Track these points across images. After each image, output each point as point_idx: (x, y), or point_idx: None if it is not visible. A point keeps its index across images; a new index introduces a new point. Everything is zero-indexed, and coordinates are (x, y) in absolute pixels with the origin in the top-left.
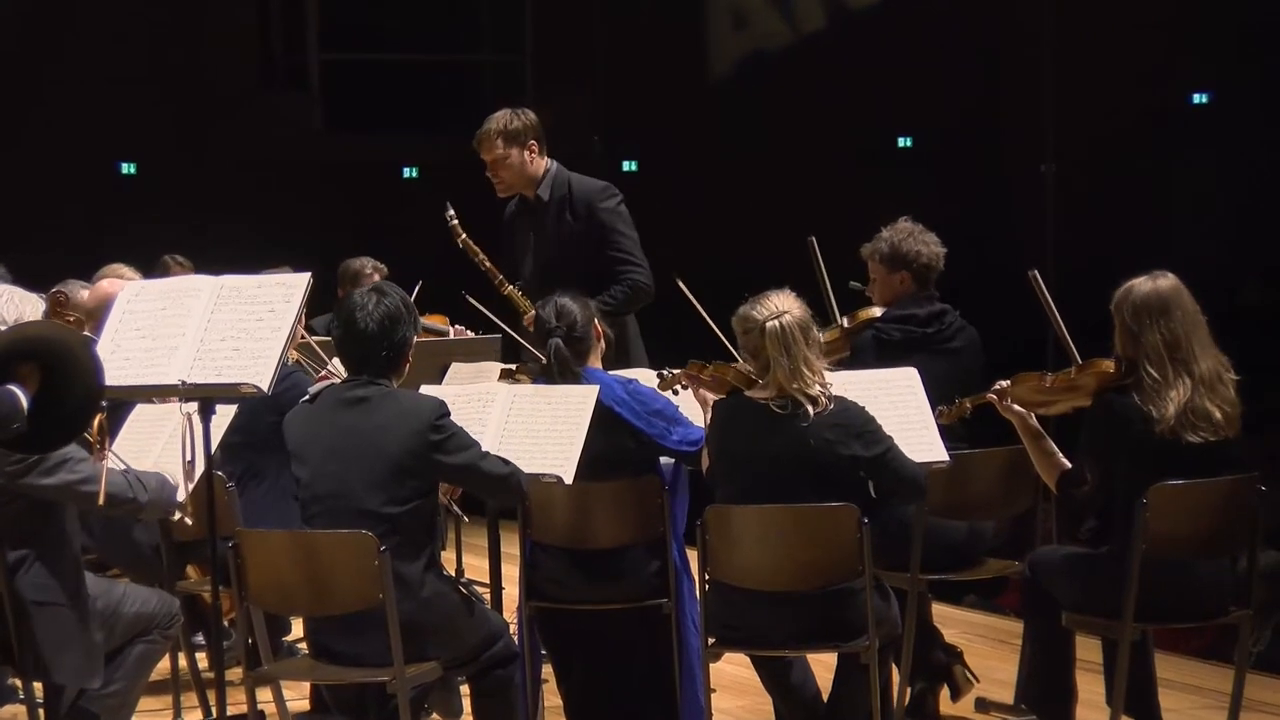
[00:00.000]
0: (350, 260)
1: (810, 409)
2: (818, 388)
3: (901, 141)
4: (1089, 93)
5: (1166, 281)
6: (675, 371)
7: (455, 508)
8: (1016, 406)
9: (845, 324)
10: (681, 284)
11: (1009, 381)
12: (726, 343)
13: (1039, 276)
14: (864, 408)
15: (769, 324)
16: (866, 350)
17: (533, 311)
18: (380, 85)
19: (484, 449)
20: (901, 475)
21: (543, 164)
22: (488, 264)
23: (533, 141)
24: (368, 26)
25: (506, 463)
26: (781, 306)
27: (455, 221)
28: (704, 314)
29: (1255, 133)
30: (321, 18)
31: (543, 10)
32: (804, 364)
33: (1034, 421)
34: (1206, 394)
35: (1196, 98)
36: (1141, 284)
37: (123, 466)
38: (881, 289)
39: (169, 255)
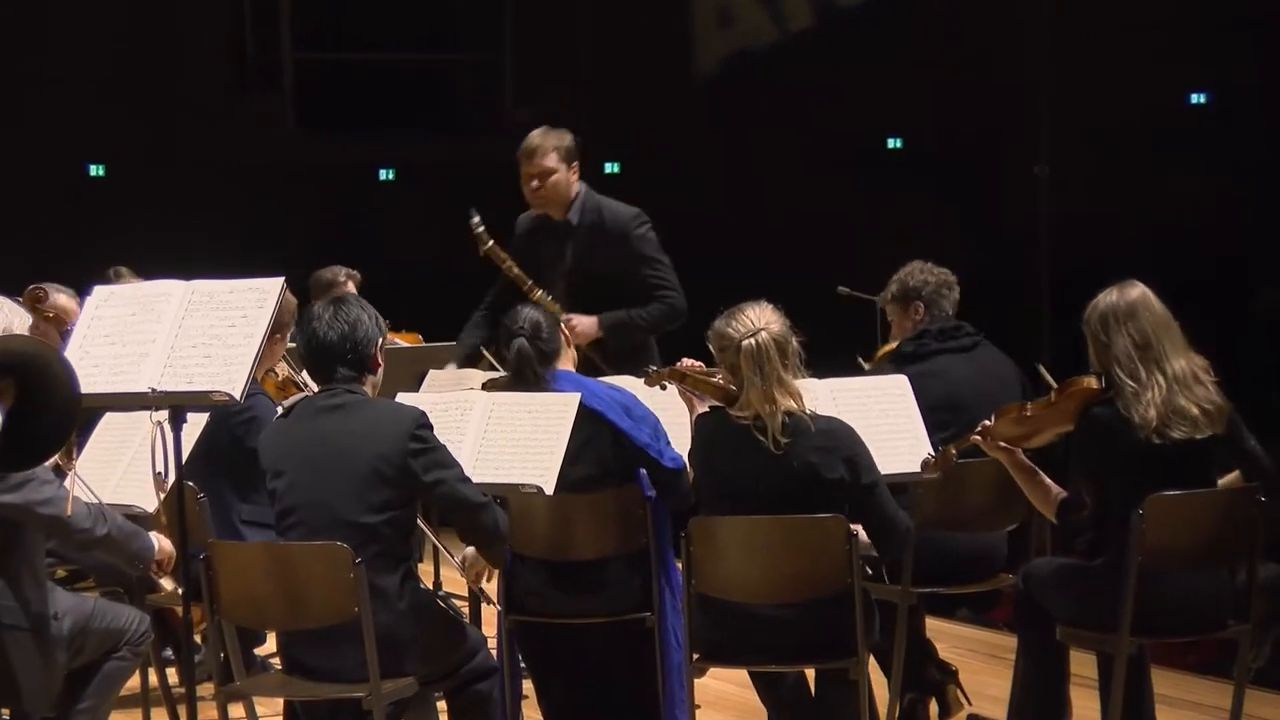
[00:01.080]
0: (321, 271)
1: (788, 430)
2: (789, 406)
3: (891, 142)
4: (1084, 92)
5: (1134, 290)
6: (661, 370)
7: (483, 594)
8: (1004, 444)
9: (867, 368)
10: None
11: (991, 420)
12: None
13: (1043, 369)
14: (853, 429)
15: (744, 342)
16: (885, 374)
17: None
18: (356, 85)
19: (465, 474)
20: (886, 519)
21: (576, 186)
22: (516, 270)
23: (575, 163)
24: (343, 25)
25: (485, 495)
26: (758, 322)
27: (481, 229)
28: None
29: (1256, 134)
30: (295, 16)
31: (523, 7)
32: (777, 384)
33: (1023, 457)
34: (1183, 392)
35: (1194, 98)
36: (1107, 294)
37: (89, 498)
38: (899, 326)
39: (114, 267)
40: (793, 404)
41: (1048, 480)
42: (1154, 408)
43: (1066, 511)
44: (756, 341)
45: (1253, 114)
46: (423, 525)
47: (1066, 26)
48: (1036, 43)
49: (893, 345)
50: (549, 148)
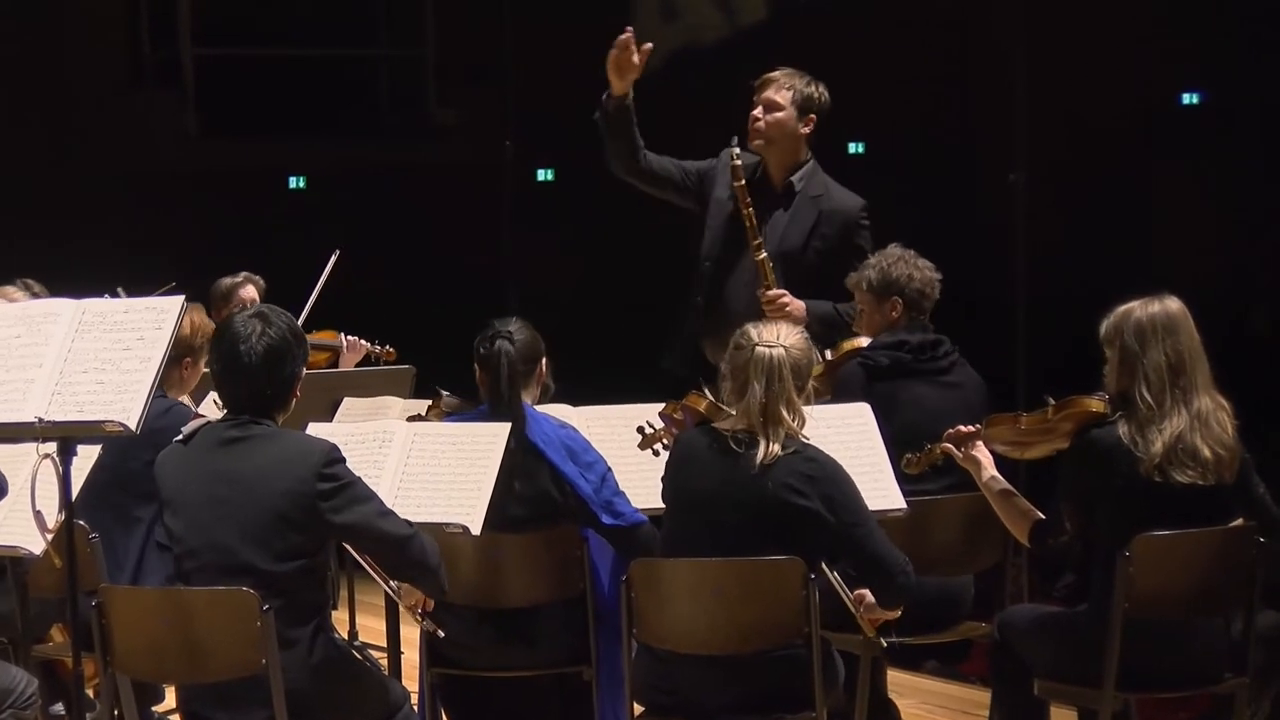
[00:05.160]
0: (221, 279)
1: (772, 448)
2: (789, 428)
3: (853, 148)
4: (1065, 91)
5: (1174, 303)
6: (657, 426)
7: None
8: (978, 454)
9: (828, 356)
10: None
11: (982, 426)
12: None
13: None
14: (842, 470)
15: (759, 349)
16: (852, 382)
17: (773, 288)
18: (262, 83)
19: (386, 505)
20: (877, 556)
21: (806, 151)
22: (754, 219)
23: (813, 116)
24: (247, 19)
25: (410, 525)
26: (783, 338)
27: (739, 161)
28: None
29: (1254, 136)
30: (195, 9)
31: None
32: (786, 404)
33: (995, 473)
34: (1200, 429)
35: (1186, 98)
36: (1144, 305)
37: None
38: (870, 319)
39: (20, 279)
40: (793, 428)
41: (1021, 500)
42: (1162, 440)
43: (1043, 534)
44: (772, 354)
45: (1251, 115)
46: (356, 556)
47: (1044, 18)
48: (1011, 39)
49: (858, 342)
50: (785, 84)
